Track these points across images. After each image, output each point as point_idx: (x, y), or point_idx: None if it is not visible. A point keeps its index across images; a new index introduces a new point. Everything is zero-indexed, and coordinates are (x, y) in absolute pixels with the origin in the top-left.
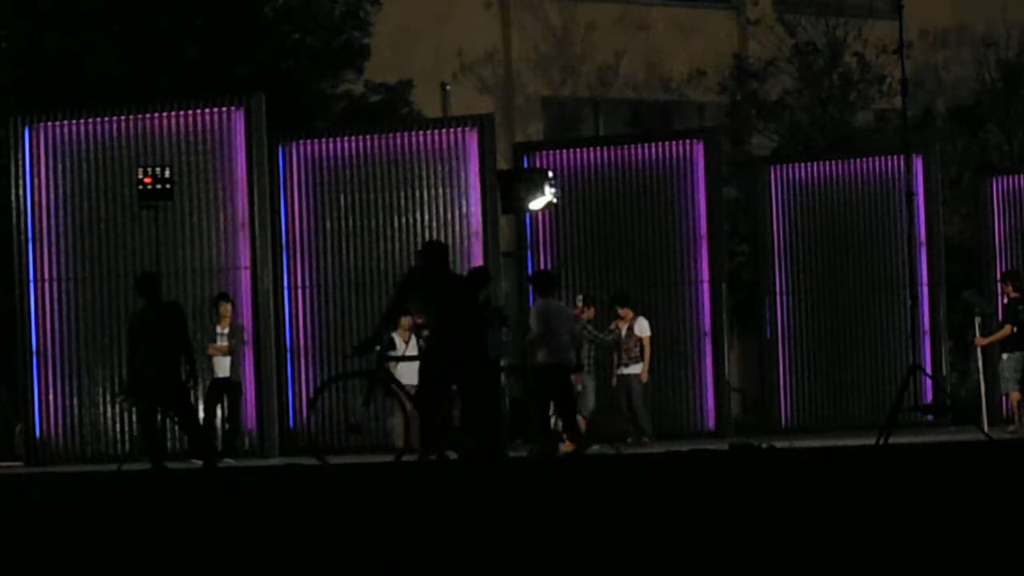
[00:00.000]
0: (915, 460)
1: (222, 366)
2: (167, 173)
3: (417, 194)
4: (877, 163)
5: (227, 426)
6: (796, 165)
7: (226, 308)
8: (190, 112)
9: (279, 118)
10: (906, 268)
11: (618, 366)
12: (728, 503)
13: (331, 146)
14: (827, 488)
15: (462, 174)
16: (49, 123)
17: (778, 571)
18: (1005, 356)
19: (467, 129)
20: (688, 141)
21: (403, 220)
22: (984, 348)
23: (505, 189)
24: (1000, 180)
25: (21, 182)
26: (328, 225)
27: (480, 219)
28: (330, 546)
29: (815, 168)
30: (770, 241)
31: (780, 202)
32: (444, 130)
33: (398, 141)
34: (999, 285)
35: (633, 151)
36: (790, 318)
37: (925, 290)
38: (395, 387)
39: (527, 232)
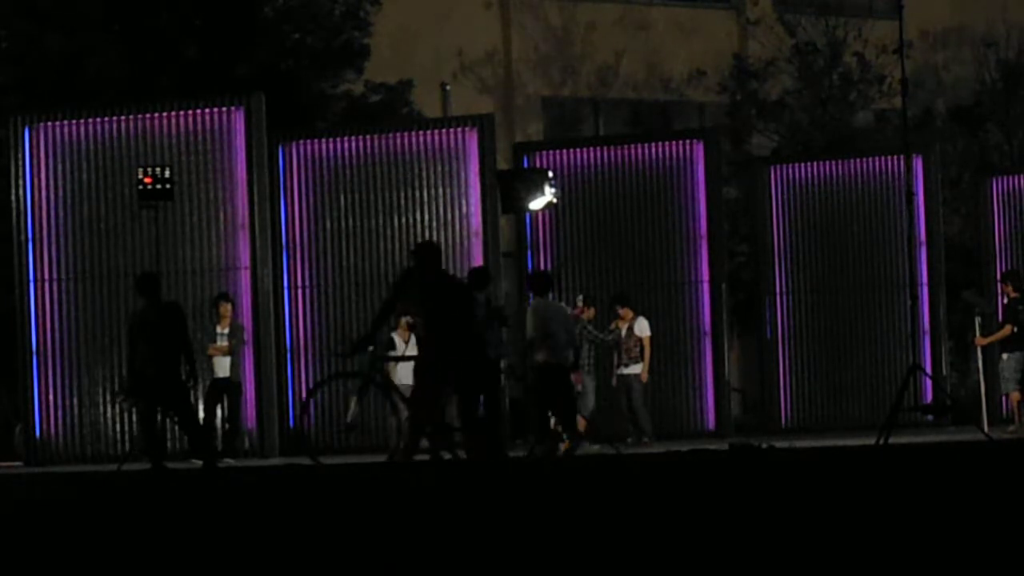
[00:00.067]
0: (915, 460)
1: (222, 366)
2: (167, 173)
3: (417, 194)
4: (877, 163)
5: (227, 426)
6: (796, 165)
7: (226, 308)
8: (190, 112)
9: (279, 118)
10: (906, 268)
11: (618, 366)
12: (728, 503)
13: (331, 146)
14: (827, 488)
15: (462, 174)
16: (49, 123)
17: (778, 571)
18: (1005, 356)
19: (467, 129)
20: (688, 141)
21: (403, 220)
22: (984, 348)
23: (505, 189)
24: (1000, 180)
25: (21, 182)
26: (328, 225)
27: (480, 219)
28: (330, 546)
29: (815, 168)
30: (770, 241)
31: (780, 202)
32: (444, 130)
33: (398, 141)
34: (999, 285)
35: (633, 151)
36: (790, 318)
37: (925, 290)
38: (391, 388)
39: (527, 232)
